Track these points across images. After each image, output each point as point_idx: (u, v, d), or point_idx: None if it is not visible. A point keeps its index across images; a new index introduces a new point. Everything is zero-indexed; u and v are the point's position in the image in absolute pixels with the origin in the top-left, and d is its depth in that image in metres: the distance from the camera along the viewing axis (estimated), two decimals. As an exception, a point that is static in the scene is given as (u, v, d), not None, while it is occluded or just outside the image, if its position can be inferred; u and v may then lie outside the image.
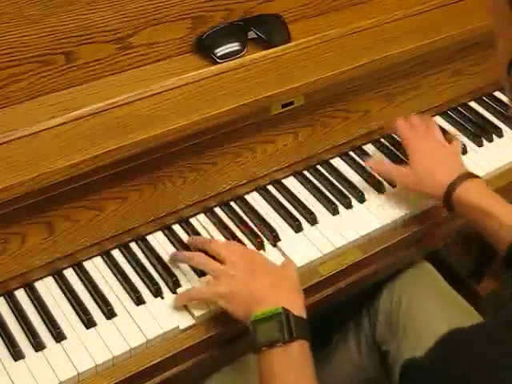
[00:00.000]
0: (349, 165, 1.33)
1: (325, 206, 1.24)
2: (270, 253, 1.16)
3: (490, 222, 1.09)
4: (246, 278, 1.03)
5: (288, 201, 1.25)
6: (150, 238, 1.17)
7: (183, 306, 1.07)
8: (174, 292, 1.09)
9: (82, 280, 1.10)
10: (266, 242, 1.17)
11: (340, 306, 1.24)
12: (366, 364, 1.30)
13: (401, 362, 0.76)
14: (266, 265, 1.08)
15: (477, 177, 1.17)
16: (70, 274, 1.11)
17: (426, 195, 1.20)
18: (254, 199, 1.25)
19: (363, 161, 1.33)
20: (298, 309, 1.00)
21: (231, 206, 1.23)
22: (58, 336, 1.02)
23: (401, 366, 0.75)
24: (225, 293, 1.03)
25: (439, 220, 1.26)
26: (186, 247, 1.15)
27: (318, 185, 1.28)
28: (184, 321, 1.05)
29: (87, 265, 1.12)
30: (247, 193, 1.25)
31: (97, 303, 1.07)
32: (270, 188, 1.27)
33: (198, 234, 1.17)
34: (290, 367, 0.95)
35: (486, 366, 0.65)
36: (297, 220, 1.20)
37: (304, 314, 1.00)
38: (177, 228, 1.19)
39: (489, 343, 0.66)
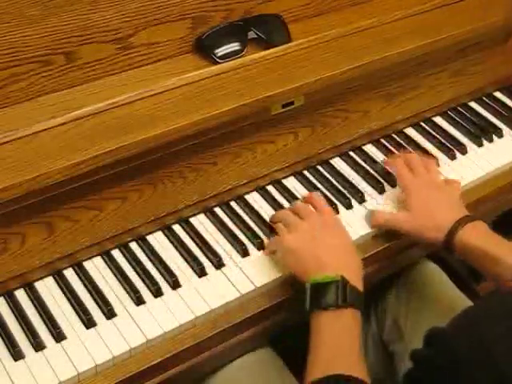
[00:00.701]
0: (349, 165, 1.33)
1: (325, 206, 1.24)
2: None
3: (496, 266, 1.06)
4: (315, 238, 1.08)
5: (288, 201, 1.25)
6: (150, 238, 1.17)
7: (183, 305, 1.07)
8: (174, 290, 1.09)
9: (81, 280, 1.10)
10: (265, 242, 1.17)
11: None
12: (371, 363, 1.30)
13: (407, 363, 0.77)
14: (337, 230, 1.11)
15: (477, 219, 1.14)
16: (69, 274, 1.11)
17: (426, 240, 1.16)
18: (254, 199, 1.25)
19: (364, 162, 1.33)
20: (357, 280, 1.03)
21: (231, 205, 1.23)
22: (58, 336, 1.02)
23: (425, 336, 0.77)
24: (291, 246, 1.08)
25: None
26: (186, 247, 1.15)
27: (318, 185, 1.28)
28: (184, 320, 1.05)
29: (87, 265, 1.12)
30: (247, 193, 1.25)
31: (97, 303, 1.07)
32: (270, 188, 1.27)
33: (198, 234, 1.17)
34: (339, 331, 0.98)
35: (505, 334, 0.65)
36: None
37: (361, 287, 1.03)
38: (177, 228, 1.19)
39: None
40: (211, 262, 1.14)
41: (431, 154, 1.35)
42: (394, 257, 1.23)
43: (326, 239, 1.08)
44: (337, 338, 0.98)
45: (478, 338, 0.67)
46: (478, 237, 1.10)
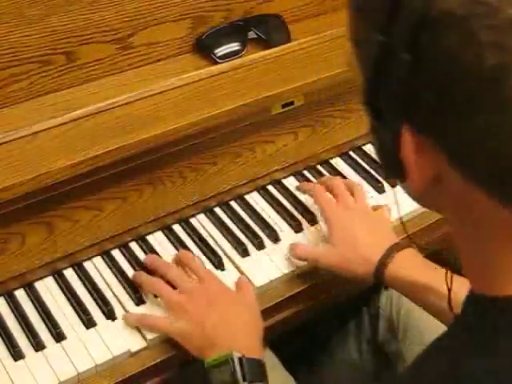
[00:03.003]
0: (349, 165, 1.33)
1: (325, 206, 1.24)
2: (270, 252, 1.16)
3: (431, 296, 0.99)
4: (200, 316, 1.00)
5: (288, 201, 1.25)
6: (149, 238, 1.17)
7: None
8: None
9: (82, 280, 1.10)
10: (266, 242, 1.17)
11: (340, 306, 1.24)
12: (366, 365, 1.30)
13: (402, 362, 0.76)
14: (222, 295, 1.04)
15: (407, 246, 1.06)
16: (70, 274, 1.11)
17: (353, 276, 1.06)
18: (254, 199, 1.25)
19: (364, 162, 1.33)
20: (253, 349, 0.97)
21: (231, 205, 1.23)
22: (58, 336, 1.02)
23: None
24: (180, 330, 1.00)
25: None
26: (186, 247, 1.15)
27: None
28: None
29: (87, 265, 1.12)
30: (247, 193, 1.25)
31: (97, 303, 1.07)
32: (270, 188, 1.27)
33: (198, 234, 1.17)
34: None
35: None
36: (297, 220, 1.20)
37: (260, 354, 0.97)
38: (177, 228, 1.19)
39: None
40: (211, 261, 1.14)
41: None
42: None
43: (212, 314, 1.00)
44: None
45: None
46: (412, 267, 1.03)
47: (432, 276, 1.01)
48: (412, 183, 0.58)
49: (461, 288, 0.88)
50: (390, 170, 0.61)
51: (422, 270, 1.02)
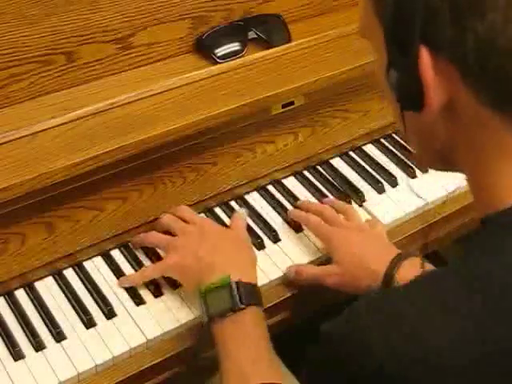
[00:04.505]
0: (349, 165, 1.33)
1: (325, 206, 1.24)
2: (270, 252, 1.16)
3: None
4: (194, 246, 1.04)
5: (288, 201, 1.25)
6: (150, 238, 1.17)
7: (183, 305, 1.07)
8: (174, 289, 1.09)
9: (81, 280, 1.10)
10: (266, 242, 1.17)
11: (342, 305, 1.24)
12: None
13: None
14: (215, 230, 1.09)
15: (411, 255, 1.07)
16: (69, 274, 1.11)
17: (362, 291, 1.05)
18: (254, 199, 1.25)
19: (364, 162, 1.33)
20: (250, 274, 1.01)
21: (231, 205, 1.23)
22: (58, 336, 1.02)
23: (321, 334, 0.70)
24: (174, 263, 1.05)
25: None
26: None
27: (318, 185, 1.28)
28: (184, 319, 1.05)
29: (87, 265, 1.12)
30: (247, 193, 1.25)
31: (97, 303, 1.07)
32: (270, 188, 1.27)
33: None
34: (243, 339, 0.95)
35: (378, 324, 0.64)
36: (297, 220, 1.20)
37: (255, 280, 1.01)
38: (177, 228, 1.19)
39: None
40: (211, 262, 1.14)
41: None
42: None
43: (207, 244, 1.04)
44: (242, 348, 0.95)
45: (356, 336, 0.65)
46: (419, 273, 1.05)
47: None
48: (428, 109, 0.64)
49: None
50: (408, 99, 0.66)
51: None
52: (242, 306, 0.96)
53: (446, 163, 0.73)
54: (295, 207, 1.22)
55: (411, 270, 1.04)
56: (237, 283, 0.98)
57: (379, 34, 0.65)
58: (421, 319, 0.62)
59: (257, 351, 0.95)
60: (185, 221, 1.11)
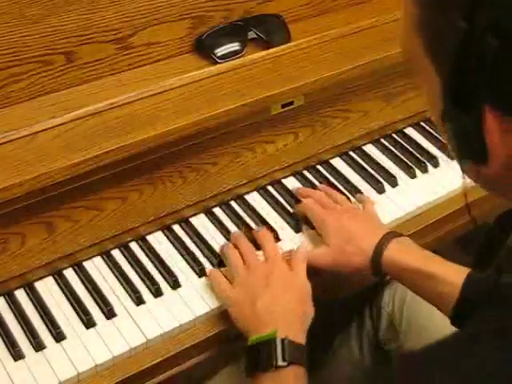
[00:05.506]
0: (349, 165, 1.33)
1: (325, 206, 1.24)
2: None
3: (437, 286, 1.01)
4: (255, 290, 1.03)
5: (288, 201, 1.25)
6: (149, 237, 1.17)
7: (183, 305, 1.07)
8: (174, 290, 1.09)
9: (82, 280, 1.10)
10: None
11: (342, 306, 1.24)
12: (367, 365, 1.30)
13: None
14: (282, 278, 1.05)
15: (401, 235, 1.10)
16: (69, 274, 1.11)
17: (352, 268, 1.09)
18: (254, 199, 1.25)
19: (364, 162, 1.33)
20: (298, 334, 0.99)
21: (231, 205, 1.23)
22: (58, 336, 1.02)
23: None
24: (234, 297, 1.04)
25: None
26: (186, 247, 1.15)
27: (318, 185, 1.28)
28: (184, 320, 1.05)
29: (87, 265, 1.12)
30: (247, 193, 1.25)
31: (97, 303, 1.07)
32: (270, 188, 1.27)
33: (198, 234, 1.17)
34: None
35: None
36: (297, 220, 1.20)
37: (303, 340, 0.99)
38: (177, 228, 1.19)
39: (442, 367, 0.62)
40: (211, 262, 1.14)
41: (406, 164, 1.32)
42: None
43: (267, 293, 1.02)
44: None
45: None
46: (407, 252, 1.06)
47: (427, 261, 1.04)
48: (492, 164, 0.59)
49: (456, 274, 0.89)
50: (470, 153, 0.61)
51: (416, 256, 1.05)
52: (284, 364, 0.95)
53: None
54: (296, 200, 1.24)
55: (400, 247, 1.07)
56: (282, 340, 0.96)
57: (431, 74, 0.60)
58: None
59: None
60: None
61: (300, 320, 1.02)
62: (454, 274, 1.00)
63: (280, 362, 0.94)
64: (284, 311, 1.01)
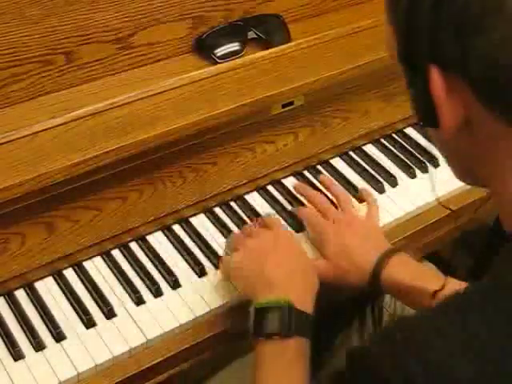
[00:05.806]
0: (349, 165, 1.33)
1: (325, 206, 1.24)
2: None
3: (429, 300, 0.99)
4: (263, 255, 1.02)
5: (288, 201, 1.25)
6: (149, 238, 1.17)
7: (183, 305, 1.07)
8: (174, 290, 1.09)
9: (81, 280, 1.10)
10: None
11: (343, 306, 1.24)
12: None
13: None
14: (288, 245, 1.05)
15: (398, 250, 1.08)
16: (69, 274, 1.11)
17: (350, 286, 1.08)
18: (254, 199, 1.25)
19: (364, 162, 1.33)
20: (307, 303, 0.98)
21: (231, 205, 1.23)
22: (58, 336, 1.02)
23: (347, 354, 0.68)
24: (238, 264, 1.03)
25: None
26: (186, 247, 1.15)
27: (318, 185, 1.28)
28: (184, 320, 1.05)
29: (87, 265, 1.12)
30: (247, 193, 1.25)
31: (97, 303, 1.07)
32: (270, 188, 1.27)
33: (198, 234, 1.17)
34: (281, 363, 0.93)
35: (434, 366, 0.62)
36: (297, 220, 1.20)
37: (310, 309, 0.97)
38: (177, 228, 1.19)
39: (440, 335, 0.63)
40: (211, 261, 1.14)
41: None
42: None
43: (275, 256, 1.02)
44: (280, 375, 0.92)
45: (400, 363, 0.64)
46: (406, 271, 1.05)
47: (424, 279, 1.03)
48: (445, 126, 0.64)
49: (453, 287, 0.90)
50: (425, 117, 0.66)
51: (414, 274, 1.04)
52: (290, 334, 0.93)
53: (473, 179, 0.72)
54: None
55: (399, 265, 1.05)
56: (289, 309, 0.95)
57: (393, 40, 0.67)
58: (447, 353, 0.61)
59: (291, 376, 0.93)
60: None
61: (308, 289, 1.00)
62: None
63: (286, 331, 0.93)
64: (293, 277, 1.00)
